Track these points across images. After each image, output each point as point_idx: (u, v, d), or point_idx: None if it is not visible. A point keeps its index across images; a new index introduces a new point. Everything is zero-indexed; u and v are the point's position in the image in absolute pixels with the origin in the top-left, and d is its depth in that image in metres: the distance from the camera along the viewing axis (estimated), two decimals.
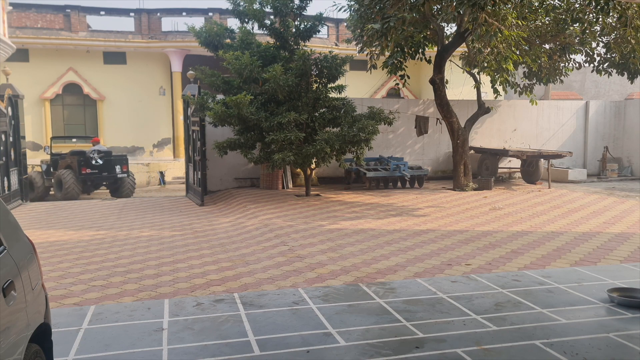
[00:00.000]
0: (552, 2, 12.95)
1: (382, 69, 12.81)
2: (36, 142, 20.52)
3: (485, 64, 13.20)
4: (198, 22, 23.68)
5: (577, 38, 13.69)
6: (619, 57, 13.33)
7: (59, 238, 8.75)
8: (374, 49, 12.93)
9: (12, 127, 12.80)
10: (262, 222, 9.57)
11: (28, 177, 14.55)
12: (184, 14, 21.84)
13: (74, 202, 13.49)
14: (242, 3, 12.45)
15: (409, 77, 13.19)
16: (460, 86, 18.55)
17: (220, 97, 12.19)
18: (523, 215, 10.10)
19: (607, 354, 4.02)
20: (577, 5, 12.16)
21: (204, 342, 4.29)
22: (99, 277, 6.29)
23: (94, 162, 15.16)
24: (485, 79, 15.77)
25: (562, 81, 15.91)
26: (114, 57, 21.17)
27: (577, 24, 12.66)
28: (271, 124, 11.04)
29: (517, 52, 12.60)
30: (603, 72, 14.66)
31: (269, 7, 12.42)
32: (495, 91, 14.75)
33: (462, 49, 14.67)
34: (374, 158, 14.66)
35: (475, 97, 15.13)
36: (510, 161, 16.18)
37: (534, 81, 15.64)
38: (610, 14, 10.85)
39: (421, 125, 14.87)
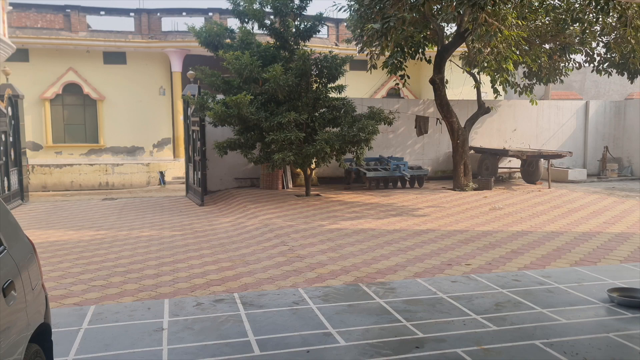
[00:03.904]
0: (552, 2, 12.95)
1: (382, 69, 12.80)
2: (36, 142, 20.52)
3: (485, 64, 13.20)
4: (198, 22, 23.67)
5: (577, 38, 13.69)
6: (619, 57, 13.33)
7: (59, 238, 8.75)
8: (374, 49, 12.92)
9: (12, 127, 12.80)
10: (262, 222, 9.57)
11: None
12: (184, 14, 21.83)
13: (74, 202, 13.50)
14: (242, 3, 12.45)
15: (409, 77, 13.18)
16: (460, 86, 18.55)
17: (220, 97, 12.19)
18: (523, 215, 10.10)
19: (607, 354, 4.01)
20: (577, 5, 12.16)
21: (204, 342, 4.29)
22: (99, 277, 6.29)
23: None
24: (485, 79, 15.77)
25: (562, 81, 15.91)
26: (114, 57, 21.15)
27: (577, 24, 12.66)
28: (271, 124, 11.04)
29: (517, 52, 12.60)
30: (603, 72, 14.65)
31: (269, 7, 12.41)
32: (495, 91, 14.75)
33: (462, 49, 14.67)
34: (374, 158, 14.65)
35: (475, 97, 15.13)
36: (510, 161, 16.18)
37: (534, 81, 15.63)
38: (610, 14, 10.86)
39: (421, 125, 14.87)
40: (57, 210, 12.00)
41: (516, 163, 16.00)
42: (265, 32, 12.71)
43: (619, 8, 10.42)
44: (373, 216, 9.98)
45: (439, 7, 11.95)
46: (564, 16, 12.64)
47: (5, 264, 2.79)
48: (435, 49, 13.68)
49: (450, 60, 14.36)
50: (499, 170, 15.66)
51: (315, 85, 12.12)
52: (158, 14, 21.46)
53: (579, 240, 7.94)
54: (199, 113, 11.94)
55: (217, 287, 5.80)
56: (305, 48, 12.18)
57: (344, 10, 13.48)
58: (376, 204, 11.41)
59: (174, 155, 21.68)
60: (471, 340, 4.27)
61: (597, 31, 13.23)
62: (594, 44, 14.15)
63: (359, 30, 12.80)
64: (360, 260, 6.90)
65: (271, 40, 12.93)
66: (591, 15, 11.89)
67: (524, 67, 15.17)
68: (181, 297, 5.49)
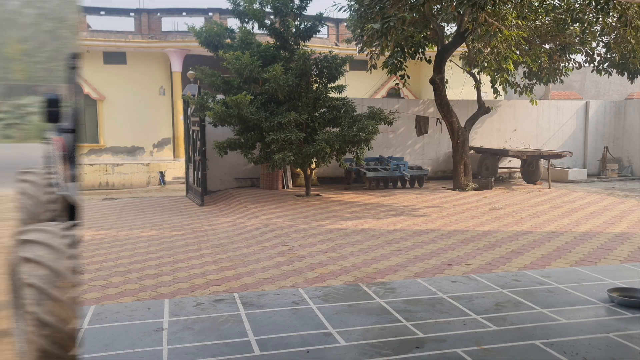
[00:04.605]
0: (552, 2, 12.96)
1: (382, 69, 12.81)
2: None
3: (485, 64, 13.20)
4: (198, 22, 23.68)
5: (577, 38, 13.69)
6: (619, 57, 13.33)
7: None
8: (374, 49, 12.92)
9: None
10: (262, 222, 9.57)
11: None
12: (184, 14, 21.84)
13: None
14: (242, 3, 12.45)
15: (409, 77, 13.18)
16: (460, 86, 18.55)
17: (220, 97, 12.18)
18: (523, 215, 10.10)
19: (607, 354, 4.01)
20: (577, 5, 12.16)
21: (204, 342, 4.29)
22: (99, 277, 6.29)
23: None
24: (485, 79, 15.77)
25: (562, 81, 15.91)
26: (114, 57, 21.15)
27: (577, 24, 12.66)
28: (271, 124, 11.05)
29: (517, 52, 12.60)
30: (603, 72, 14.65)
31: (269, 7, 12.41)
32: (495, 91, 14.75)
33: (462, 49, 14.66)
34: (374, 158, 14.65)
35: (475, 97, 15.13)
36: (510, 161, 16.18)
37: (534, 81, 15.63)
38: (610, 14, 10.87)
39: (421, 125, 14.88)
40: None
41: (516, 163, 16.00)
42: (265, 32, 12.71)
43: (619, 8, 10.43)
44: (373, 216, 9.98)
45: (439, 7, 11.95)
46: (564, 16, 12.65)
47: None
48: (435, 49, 13.68)
49: (450, 60, 14.36)
50: (499, 170, 15.67)
51: (315, 85, 12.12)
52: (158, 14, 21.47)
53: (579, 240, 7.94)
54: (199, 113, 11.94)
55: (217, 287, 5.80)
56: (306, 48, 12.17)
57: (344, 10, 13.50)
58: (376, 204, 11.41)
59: (174, 155, 21.67)
60: (471, 340, 4.27)
61: (597, 31, 13.23)
62: (594, 44, 14.15)
63: (359, 30, 12.80)
64: (360, 260, 6.90)
65: (271, 40, 12.93)
66: (591, 15, 11.90)
67: (524, 67, 15.17)
68: (181, 297, 5.49)
